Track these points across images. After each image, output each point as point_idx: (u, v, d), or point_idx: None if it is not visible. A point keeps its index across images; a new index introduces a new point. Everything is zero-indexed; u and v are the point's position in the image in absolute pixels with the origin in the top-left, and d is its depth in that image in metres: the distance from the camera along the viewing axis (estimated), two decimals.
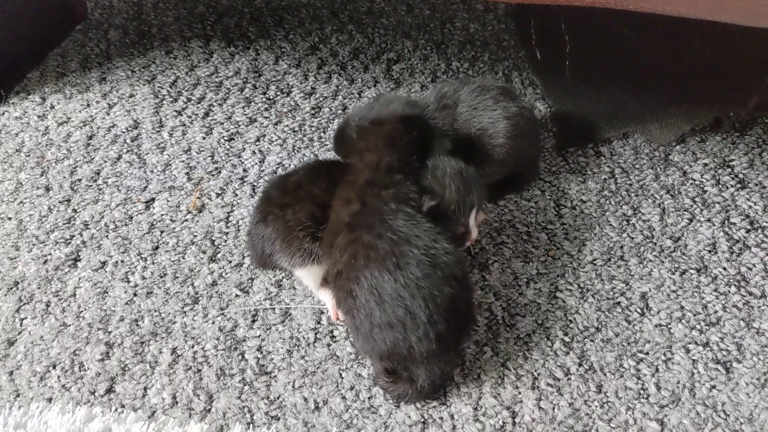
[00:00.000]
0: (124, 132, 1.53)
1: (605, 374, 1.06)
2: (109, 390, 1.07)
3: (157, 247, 1.28)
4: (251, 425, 1.01)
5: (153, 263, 1.25)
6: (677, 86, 1.51)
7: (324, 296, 1.15)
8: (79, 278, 1.23)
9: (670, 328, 1.12)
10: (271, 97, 1.61)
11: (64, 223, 1.33)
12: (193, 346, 1.12)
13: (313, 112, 1.57)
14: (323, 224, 1.07)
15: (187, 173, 1.43)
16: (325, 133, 1.51)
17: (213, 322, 1.15)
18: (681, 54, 1.58)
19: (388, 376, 1.03)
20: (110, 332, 1.15)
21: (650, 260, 1.22)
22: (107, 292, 1.21)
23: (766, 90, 1.44)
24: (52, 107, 1.61)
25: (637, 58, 1.57)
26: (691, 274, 1.20)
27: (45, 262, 1.26)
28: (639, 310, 1.15)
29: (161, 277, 1.23)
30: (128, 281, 1.22)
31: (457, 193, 1.06)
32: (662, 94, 1.50)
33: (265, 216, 1.12)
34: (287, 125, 1.53)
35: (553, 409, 1.02)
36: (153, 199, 1.37)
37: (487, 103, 1.25)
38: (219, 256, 1.26)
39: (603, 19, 1.43)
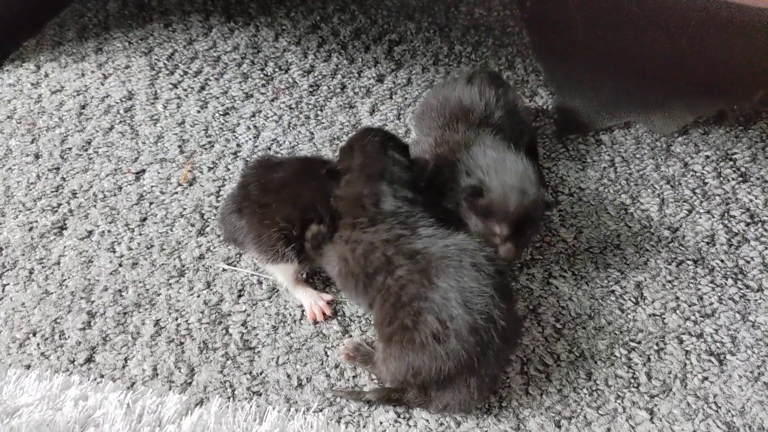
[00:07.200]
0: (117, 102, 1.50)
1: (596, 362, 1.04)
2: (89, 359, 1.05)
3: (145, 219, 1.26)
4: (232, 399, 0.99)
5: (140, 234, 1.23)
6: (682, 77, 1.49)
7: (300, 294, 1.11)
8: (65, 246, 1.21)
9: (664, 318, 1.10)
10: (269, 74, 1.59)
11: (52, 191, 1.31)
12: (176, 319, 1.10)
13: (310, 89, 1.54)
14: (301, 228, 1.02)
15: (179, 146, 1.40)
16: (322, 111, 1.49)
17: (198, 296, 1.13)
18: (687, 45, 1.56)
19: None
20: (93, 302, 1.12)
21: (647, 250, 1.20)
22: (92, 262, 1.18)
23: None
24: (46, 75, 1.58)
25: (642, 48, 1.55)
26: (688, 265, 1.18)
27: (30, 229, 1.24)
28: (633, 299, 1.12)
29: (148, 248, 1.20)
30: (114, 251, 1.20)
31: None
32: (667, 84, 1.48)
33: (240, 208, 1.07)
34: (284, 102, 1.51)
35: (541, 395, 1.00)
36: (143, 171, 1.35)
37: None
38: (208, 229, 1.23)
39: (609, 8, 1.41)
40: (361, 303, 1.02)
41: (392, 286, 0.93)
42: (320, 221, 1.02)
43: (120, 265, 1.18)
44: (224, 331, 1.08)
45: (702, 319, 1.09)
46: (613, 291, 1.14)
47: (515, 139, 1.24)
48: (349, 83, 1.56)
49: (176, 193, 1.30)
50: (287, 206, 1.03)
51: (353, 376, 1.02)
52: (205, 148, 1.40)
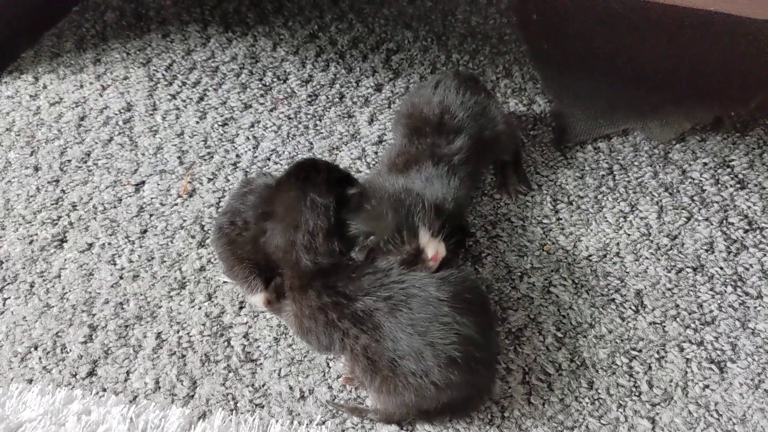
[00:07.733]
0: (116, 114, 1.51)
1: (597, 371, 1.04)
2: (91, 373, 1.05)
3: (145, 231, 1.26)
4: (235, 412, 0.99)
5: (141, 246, 1.23)
6: (679, 84, 1.50)
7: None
8: (65, 259, 1.21)
9: (665, 326, 1.10)
10: (267, 84, 1.59)
11: (52, 204, 1.31)
12: (178, 331, 1.10)
13: (309, 99, 1.55)
14: (266, 276, 1.01)
15: (179, 157, 1.40)
16: (320, 120, 1.49)
17: (199, 308, 1.13)
18: (684, 52, 1.57)
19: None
20: (94, 315, 1.12)
21: (646, 258, 1.21)
22: (93, 275, 1.18)
23: None
24: (45, 87, 1.58)
25: (639, 54, 1.56)
26: (688, 272, 1.18)
27: (31, 242, 1.24)
28: (633, 308, 1.13)
29: (148, 260, 1.21)
30: (115, 264, 1.20)
31: (395, 217, 0.94)
32: (664, 91, 1.48)
33: (218, 237, 1.07)
34: (282, 112, 1.51)
35: (543, 404, 1.00)
36: (143, 182, 1.35)
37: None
38: (208, 241, 1.24)
39: (606, 14, 1.42)
40: (329, 354, 1.01)
41: (354, 347, 0.90)
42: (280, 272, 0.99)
43: (121, 277, 1.18)
44: (226, 344, 1.08)
45: (702, 326, 1.10)
46: (613, 299, 1.14)
47: (489, 148, 1.24)
48: (348, 92, 1.56)
49: (176, 204, 1.30)
50: (250, 245, 1.01)
51: (355, 387, 1.02)
52: (205, 159, 1.40)
